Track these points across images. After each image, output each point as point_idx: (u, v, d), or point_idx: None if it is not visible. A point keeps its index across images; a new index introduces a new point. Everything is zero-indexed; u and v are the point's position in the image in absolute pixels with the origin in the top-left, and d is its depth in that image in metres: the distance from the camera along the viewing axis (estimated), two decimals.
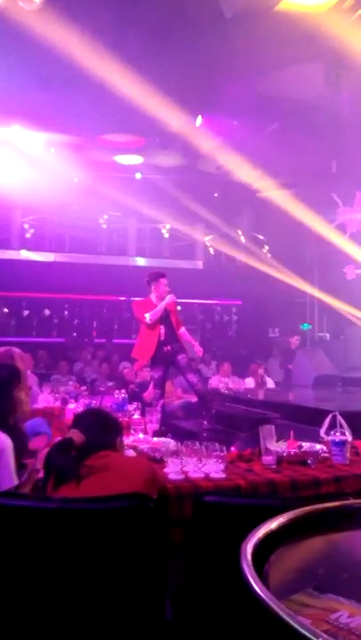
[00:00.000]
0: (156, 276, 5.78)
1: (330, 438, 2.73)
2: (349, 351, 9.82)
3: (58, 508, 1.79)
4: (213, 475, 2.43)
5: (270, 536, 1.16)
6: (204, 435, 4.98)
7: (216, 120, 9.20)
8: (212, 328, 13.94)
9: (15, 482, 2.35)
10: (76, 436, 2.18)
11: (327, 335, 11.68)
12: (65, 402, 5.36)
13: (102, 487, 1.96)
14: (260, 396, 7.51)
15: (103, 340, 12.18)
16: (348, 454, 2.69)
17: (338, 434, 2.71)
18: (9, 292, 12.13)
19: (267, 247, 13.14)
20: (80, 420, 2.32)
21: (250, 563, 1.01)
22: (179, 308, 6.15)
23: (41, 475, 2.41)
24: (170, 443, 2.98)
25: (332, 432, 2.74)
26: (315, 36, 6.25)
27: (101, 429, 2.26)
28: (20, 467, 2.53)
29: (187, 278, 12.31)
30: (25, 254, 12.36)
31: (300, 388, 8.60)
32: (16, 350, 3.65)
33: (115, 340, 12.08)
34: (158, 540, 1.85)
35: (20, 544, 1.76)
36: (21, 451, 2.67)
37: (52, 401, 5.45)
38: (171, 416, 6.12)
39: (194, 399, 6.27)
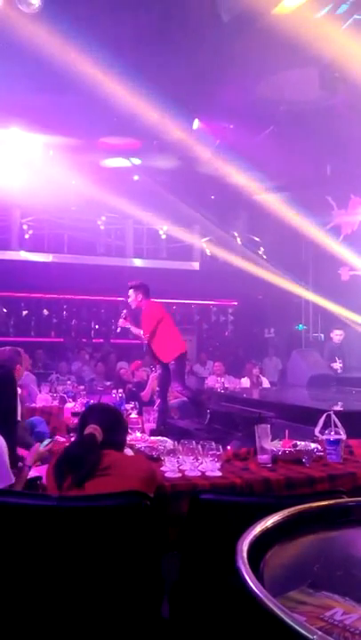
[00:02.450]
0: None
1: (324, 437, 2.76)
2: (344, 352, 9.82)
3: (56, 506, 1.79)
4: (210, 473, 2.45)
5: (266, 534, 1.17)
6: (201, 434, 5.00)
7: (213, 123, 9.23)
8: (208, 328, 13.97)
9: (12, 479, 2.36)
10: (98, 433, 2.17)
11: (322, 336, 11.70)
12: (63, 401, 5.39)
13: (103, 485, 1.97)
14: (256, 395, 7.53)
15: (101, 340, 12.20)
16: (342, 453, 2.72)
17: (332, 433, 2.74)
18: (8, 293, 12.13)
19: (262, 249, 13.16)
20: (95, 415, 2.30)
21: (245, 560, 1.01)
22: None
23: (41, 473, 2.42)
24: (167, 441, 3.00)
25: (326, 431, 2.77)
26: (310, 41, 6.28)
27: (114, 428, 2.26)
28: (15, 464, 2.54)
29: (183, 279, 12.34)
30: (24, 255, 12.36)
31: (295, 387, 8.61)
32: (20, 349, 3.75)
33: (112, 341, 12.09)
34: (155, 537, 1.87)
35: (18, 541, 1.77)
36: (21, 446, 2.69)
37: (50, 400, 5.48)
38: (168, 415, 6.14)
39: None
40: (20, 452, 2.77)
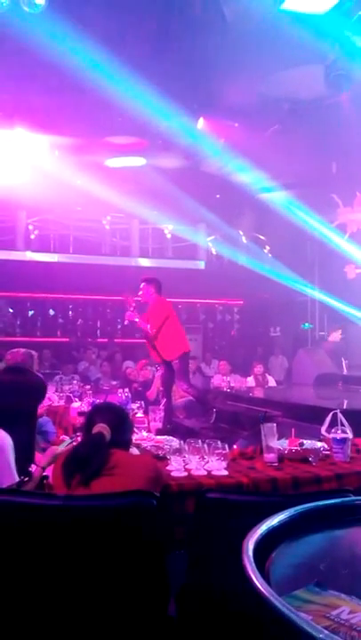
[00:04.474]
0: None
1: (331, 436, 2.75)
2: (350, 350, 9.82)
3: (62, 505, 1.79)
4: (216, 472, 2.45)
5: (272, 533, 1.17)
6: (207, 433, 5.00)
7: (217, 122, 9.22)
8: (213, 328, 13.97)
9: (15, 478, 2.37)
10: (107, 432, 2.18)
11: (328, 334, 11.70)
12: (69, 401, 5.41)
13: (110, 485, 1.98)
14: (262, 394, 7.52)
15: (106, 340, 12.23)
16: (349, 452, 2.71)
17: (339, 431, 2.73)
18: (14, 293, 12.17)
19: (268, 247, 13.15)
20: (102, 414, 2.30)
21: (251, 559, 1.01)
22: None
23: (47, 472, 2.42)
24: (173, 441, 3.00)
25: (333, 430, 2.76)
26: (315, 38, 6.26)
27: (120, 427, 2.27)
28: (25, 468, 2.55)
29: (189, 278, 12.34)
30: (30, 255, 12.41)
31: (301, 386, 8.61)
32: (34, 353, 3.78)
33: (117, 340, 12.10)
34: (161, 536, 1.87)
35: (25, 540, 1.77)
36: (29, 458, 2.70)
37: (56, 400, 5.51)
38: (174, 414, 6.14)
39: None
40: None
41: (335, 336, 10.14)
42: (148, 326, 5.61)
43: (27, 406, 2.72)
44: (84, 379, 8.47)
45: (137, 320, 5.74)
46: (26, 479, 2.42)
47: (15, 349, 3.85)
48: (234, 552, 1.07)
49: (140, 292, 5.76)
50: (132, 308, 5.74)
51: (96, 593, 1.75)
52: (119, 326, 12.79)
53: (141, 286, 5.76)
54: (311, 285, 11.77)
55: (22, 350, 3.80)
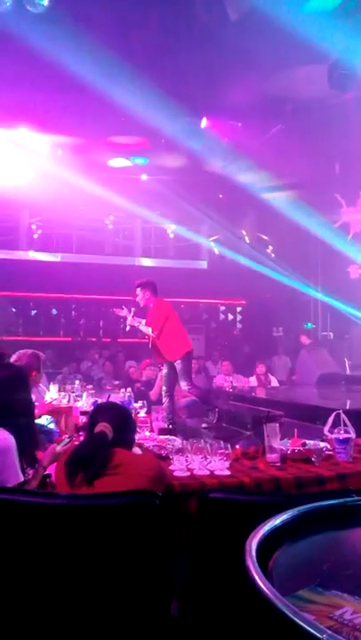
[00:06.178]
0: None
1: (334, 436, 2.75)
2: (353, 350, 9.83)
3: (65, 504, 1.79)
4: (218, 472, 2.45)
5: (275, 533, 1.16)
6: (209, 433, 5.00)
7: (221, 122, 9.23)
8: (216, 328, 13.98)
9: (21, 478, 2.36)
10: (109, 431, 2.18)
11: (331, 334, 11.68)
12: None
13: (113, 484, 1.98)
14: (264, 394, 7.53)
15: (109, 340, 12.24)
16: (351, 452, 2.71)
17: (342, 431, 2.72)
18: (17, 292, 12.20)
19: (271, 247, 13.14)
20: (104, 414, 2.30)
21: (254, 559, 1.00)
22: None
23: (50, 471, 2.42)
24: (175, 440, 3.00)
25: (335, 430, 2.76)
26: (319, 38, 6.25)
27: (123, 427, 2.27)
28: (31, 464, 2.54)
29: (191, 278, 12.35)
30: (32, 255, 12.44)
31: (304, 386, 8.61)
32: (41, 354, 3.76)
33: (120, 340, 12.11)
34: (164, 536, 1.86)
35: (27, 540, 1.77)
36: (33, 448, 2.68)
37: (58, 399, 5.50)
38: (176, 414, 6.15)
39: None
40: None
41: (305, 339, 10.28)
42: (150, 329, 5.61)
43: (10, 399, 2.68)
44: (87, 378, 8.49)
45: (137, 324, 5.75)
46: (31, 472, 2.41)
47: (22, 350, 3.83)
48: (236, 552, 1.07)
49: (138, 298, 5.79)
50: (131, 314, 5.75)
51: (99, 592, 1.75)
52: (122, 326, 12.78)
53: (137, 292, 5.77)
54: (314, 285, 11.77)
55: (29, 351, 3.78)
